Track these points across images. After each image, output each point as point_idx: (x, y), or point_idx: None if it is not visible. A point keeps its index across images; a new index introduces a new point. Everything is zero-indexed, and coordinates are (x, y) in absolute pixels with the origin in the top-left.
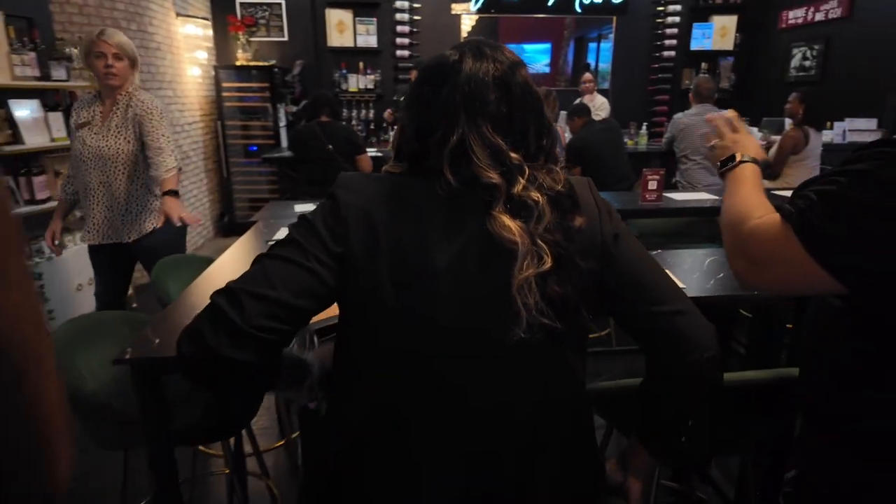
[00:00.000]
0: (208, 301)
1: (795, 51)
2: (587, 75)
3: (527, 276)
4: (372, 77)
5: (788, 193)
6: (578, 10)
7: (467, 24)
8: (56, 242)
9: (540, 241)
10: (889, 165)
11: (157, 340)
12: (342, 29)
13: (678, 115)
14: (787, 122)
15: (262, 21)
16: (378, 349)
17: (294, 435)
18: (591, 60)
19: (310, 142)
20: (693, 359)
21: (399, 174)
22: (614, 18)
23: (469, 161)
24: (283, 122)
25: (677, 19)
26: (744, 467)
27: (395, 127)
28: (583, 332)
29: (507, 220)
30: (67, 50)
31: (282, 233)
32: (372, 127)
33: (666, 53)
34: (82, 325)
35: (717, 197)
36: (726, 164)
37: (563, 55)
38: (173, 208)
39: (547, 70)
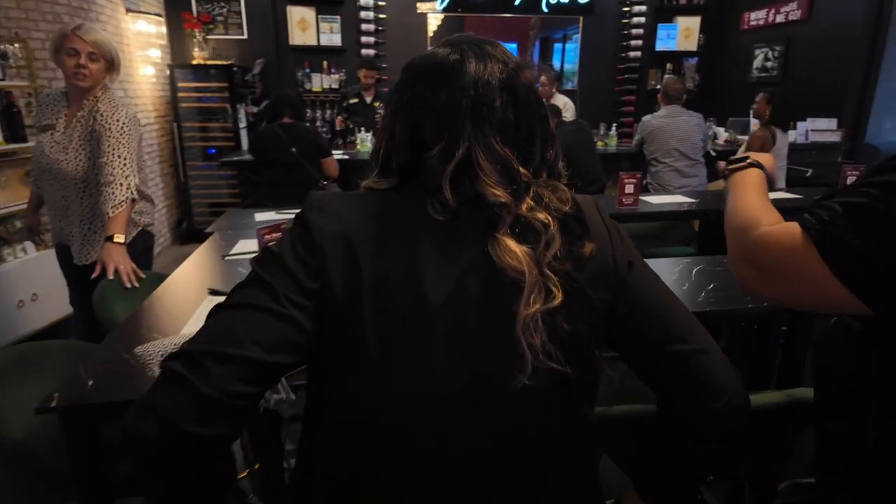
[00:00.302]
0: (160, 370)
1: (757, 52)
2: (542, 78)
3: (533, 311)
4: (336, 76)
5: None
6: (545, 9)
7: (433, 23)
8: (38, 238)
9: (548, 272)
10: None
11: (90, 382)
12: (305, 27)
13: (647, 118)
14: (753, 122)
15: (219, 18)
16: (361, 398)
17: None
18: (556, 61)
19: (271, 144)
20: (717, 406)
21: (383, 191)
22: (581, 19)
23: (474, 177)
24: (243, 124)
25: (642, 20)
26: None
27: (375, 134)
28: (594, 374)
29: (513, 245)
30: (3, 47)
31: (241, 245)
32: (337, 128)
33: (632, 54)
34: (14, 356)
35: (692, 199)
36: (736, 162)
37: (529, 55)
38: (109, 258)
39: None
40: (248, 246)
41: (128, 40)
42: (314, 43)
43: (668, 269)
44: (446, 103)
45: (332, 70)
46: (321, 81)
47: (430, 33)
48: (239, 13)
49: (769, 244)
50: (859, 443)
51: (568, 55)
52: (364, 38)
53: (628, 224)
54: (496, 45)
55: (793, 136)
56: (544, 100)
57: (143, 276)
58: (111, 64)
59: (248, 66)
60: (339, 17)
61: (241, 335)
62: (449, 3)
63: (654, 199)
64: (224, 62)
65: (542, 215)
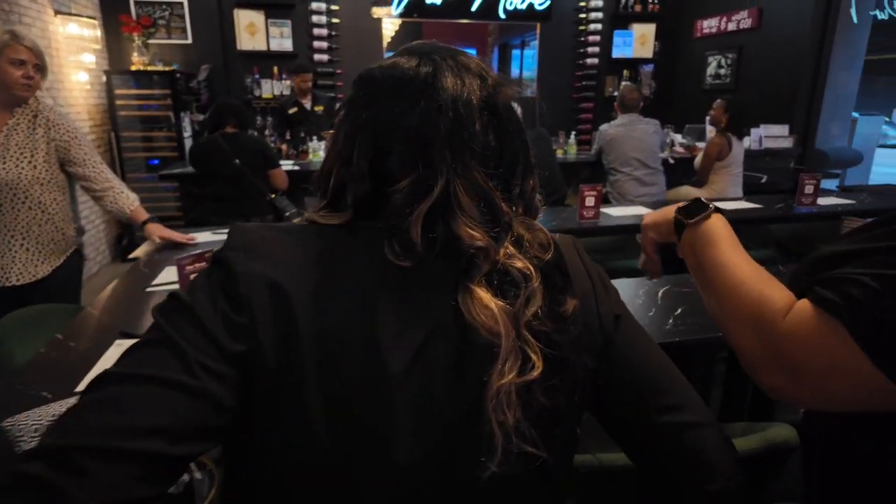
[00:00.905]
0: (15, 472)
1: (711, 59)
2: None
3: (507, 383)
4: (288, 83)
5: (720, 203)
6: (502, 15)
7: (389, 28)
8: None
9: (527, 334)
10: None
11: None
12: (253, 31)
13: (604, 127)
14: (709, 128)
15: (161, 21)
16: (300, 494)
17: None
18: (514, 67)
19: (213, 156)
20: (713, 490)
21: (332, 227)
22: (538, 25)
23: (451, 216)
24: (188, 133)
25: (599, 26)
26: None
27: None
28: (572, 451)
29: (489, 299)
30: None
31: (166, 275)
32: (288, 136)
33: (589, 61)
34: None
35: (645, 210)
36: (695, 215)
37: (488, 62)
38: (164, 233)
39: None
40: (173, 275)
41: (57, 44)
42: (264, 48)
43: (633, 293)
44: (420, 127)
45: (284, 76)
46: (272, 88)
47: (387, 39)
48: (182, 16)
49: (800, 340)
50: (850, 464)
51: (527, 62)
52: (317, 43)
53: (589, 238)
54: (469, 56)
55: (747, 142)
56: None
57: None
58: (45, 70)
59: (192, 71)
60: (289, 21)
61: (137, 421)
62: (405, 9)
63: (615, 212)
64: (166, 68)
65: (521, 263)
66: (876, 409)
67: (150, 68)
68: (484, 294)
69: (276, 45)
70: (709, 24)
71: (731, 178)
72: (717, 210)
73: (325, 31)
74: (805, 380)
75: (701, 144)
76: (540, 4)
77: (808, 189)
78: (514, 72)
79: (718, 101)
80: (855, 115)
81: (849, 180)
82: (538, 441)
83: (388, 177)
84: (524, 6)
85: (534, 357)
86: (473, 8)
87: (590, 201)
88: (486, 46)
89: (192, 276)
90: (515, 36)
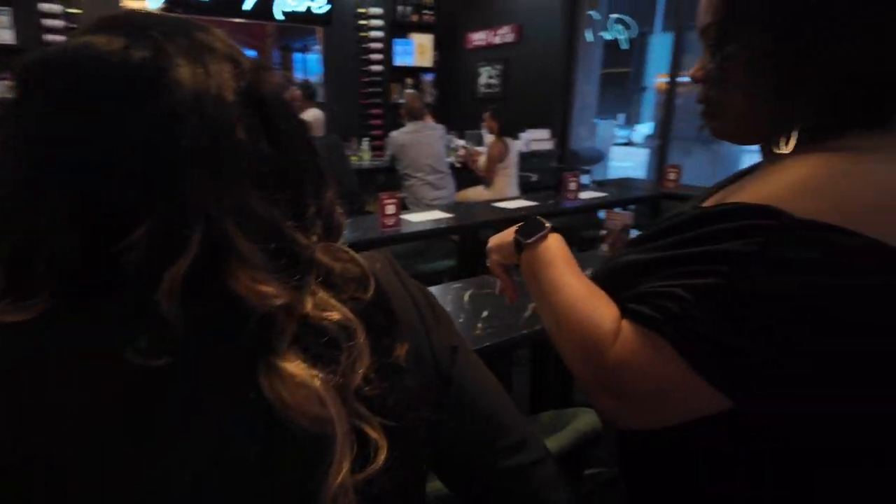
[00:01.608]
0: None
1: (482, 70)
2: (296, 92)
3: (344, 480)
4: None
5: (502, 204)
6: (280, 17)
7: None
8: None
9: (360, 407)
10: (776, 243)
11: None
12: None
13: (394, 134)
14: (486, 134)
15: None
16: None
17: None
18: (298, 72)
19: None
20: None
21: (20, 328)
22: (320, 29)
23: (226, 273)
24: None
25: (380, 34)
26: None
27: None
28: None
29: (303, 372)
30: None
31: None
32: None
33: (373, 67)
34: None
35: (450, 215)
36: (531, 235)
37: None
38: None
39: None
40: None
41: None
42: None
43: (441, 299)
44: (147, 145)
45: (5, 75)
46: None
47: None
48: None
49: (631, 364)
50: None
51: (310, 65)
52: (49, 37)
53: (391, 246)
54: (211, 31)
55: (518, 145)
56: None
57: None
58: None
59: None
60: (10, 7)
61: None
62: (167, 2)
63: (415, 217)
64: None
65: (338, 314)
66: (679, 419)
67: None
68: (296, 368)
69: None
70: (478, 37)
71: (509, 178)
72: (554, 229)
73: (60, 23)
74: (639, 404)
75: (481, 148)
76: (318, 8)
77: (572, 185)
78: (298, 76)
79: (486, 111)
80: (596, 120)
81: (595, 175)
82: None
83: (106, 227)
84: (302, 8)
85: (374, 435)
86: (246, 6)
87: (390, 209)
88: (265, 49)
89: None
90: (297, 39)
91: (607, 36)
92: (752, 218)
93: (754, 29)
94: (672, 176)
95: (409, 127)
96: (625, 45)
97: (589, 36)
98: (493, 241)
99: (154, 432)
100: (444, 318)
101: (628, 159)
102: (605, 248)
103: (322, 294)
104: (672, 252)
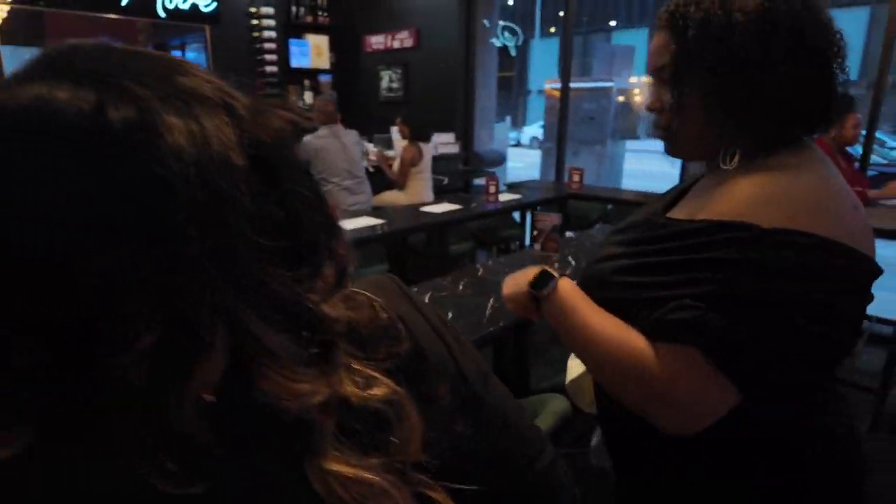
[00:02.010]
0: None
1: (382, 73)
2: None
3: None
4: None
5: (428, 208)
6: (162, 14)
7: None
8: None
9: (420, 476)
10: (755, 250)
11: None
12: None
13: (308, 138)
14: (396, 138)
15: None
16: None
17: None
18: None
19: None
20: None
21: (9, 462)
22: (206, 28)
23: (254, 375)
24: None
25: (273, 34)
26: None
27: None
28: None
29: (354, 469)
30: None
31: None
32: None
33: (269, 68)
34: None
35: (381, 221)
36: (545, 286)
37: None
38: None
39: None
40: None
41: None
42: None
43: None
44: (142, 234)
45: None
46: None
47: None
48: None
49: (678, 385)
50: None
51: None
52: None
53: None
54: (191, 68)
55: (430, 149)
56: None
57: None
58: None
59: None
60: None
61: None
62: None
63: (346, 225)
64: None
65: (381, 390)
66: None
67: None
68: (347, 468)
69: None
70: (377, 41)
71: (425, 182)
72: (562, 274)
73: None
74: (690, 411)
75: (391, 152)
76: (206, 6)
77: (492, 189)
78: None
79: (399, 117)
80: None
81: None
82: None
83: (94, 337)
84: (187, 6)
85: (438, 497)
86: (125, 2)
87: None
88: (136, 45)
89: None
90: (174, 37)
91: (497, 43)
92: (730, 231)
93: (705, 74)
94: (576, 178)
95: (324, 131)
96: (513, 52)
97: (497, 42)
98: (507, 293)
99: None
100: (464, 340)
101: (519, 160)
102: (537, 247)
103: (358, 366)
104: (665, 259)
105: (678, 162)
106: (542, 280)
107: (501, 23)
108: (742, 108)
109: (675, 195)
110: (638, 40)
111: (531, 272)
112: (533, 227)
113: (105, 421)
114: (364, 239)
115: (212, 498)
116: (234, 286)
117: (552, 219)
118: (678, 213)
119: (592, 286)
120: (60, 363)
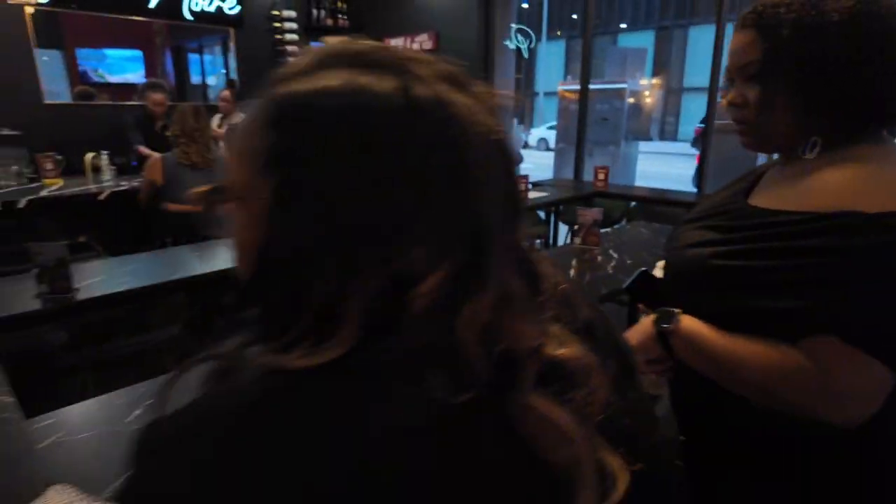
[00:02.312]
0: None
1: None
2: (225, 92)
3: None
4: None
5: None
6: (188, 16)
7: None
8: None
9: (600, 439)
10: (863, 232)
11: None
12: None
13: None
14: None
15: None
16: None
17: None
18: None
19: None
20: None
21: (320, 376)
22: (231, 30)
23: (505, 313)
24: None
25: (295, 37)
26: None
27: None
28: None
29: (550, 410)
30: None
31: None
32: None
33: None
34: None
35: None
36: (670, 321)
37: (162, 65)
38: None
39: (143, 81)
40: None
41: None
42: None
43: None
44: (450, 187)
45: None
46: None
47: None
48: None
49: (853, 386)
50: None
51: (207, 67)
52: None
53: None
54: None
55: None
56: (219, 117)
57: None
58: None
59: None
60: None
61: None
62: None
63: None
64: None
65: (573, 350)
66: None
67: None
68: (544, 406)
69: None
70: (396, 44)
71: None
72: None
73: None
74: (865, 404)
75: None
76: (230, 8)
77: (522, 188)
78: (195, 78)
79: None
80: None
81: None
82: None
83: (407, 272)
84: (213, 8)
85: (614, 464)
86: (152, 4)
87: None
88: (154, 49)
89: None
90: (192, 39)
91: (510, 45)
92: (836, 219)
93: (795, 71)
94: (601, 176)
95: None
96: (526, 54)
97: (510, 44)
98: (633, 341)
99: (479, 469)
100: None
101: (528, 161)
102: (577, 240)
103: (555, 327)
104: (770, 245)
105: (692, 163)
106: (664, 316)
107: (514, 25)
108: (830, 104)
109: (749, 184)
110: (646, 42)
111: (647, 318)
112: (575, 222)
113: (389, 338)
114: None
115: (474, 408)
116: (510, 234)
117: (593, 213)
118: (760, 200)
119: (686, 269)
120: (383, 292)
